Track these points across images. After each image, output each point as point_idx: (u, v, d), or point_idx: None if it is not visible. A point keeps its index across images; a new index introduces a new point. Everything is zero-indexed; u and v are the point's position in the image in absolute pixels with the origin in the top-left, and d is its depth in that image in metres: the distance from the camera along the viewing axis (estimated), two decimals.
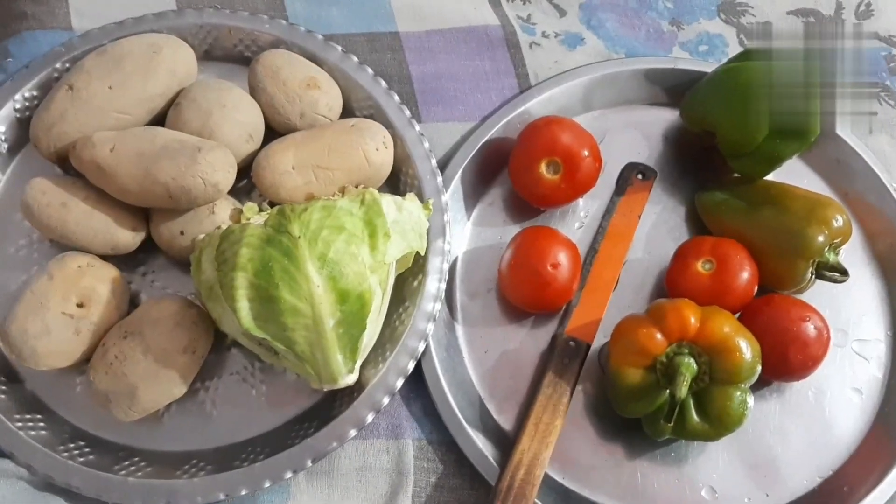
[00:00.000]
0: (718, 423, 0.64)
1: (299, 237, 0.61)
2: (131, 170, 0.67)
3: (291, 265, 0.60)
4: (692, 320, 0.64)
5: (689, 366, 0.63)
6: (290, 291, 0.60)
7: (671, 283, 0.73)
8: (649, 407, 0.65)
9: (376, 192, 0.65)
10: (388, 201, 0.66)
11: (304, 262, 0.60)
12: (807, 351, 0.69)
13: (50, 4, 0.82)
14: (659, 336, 0.64)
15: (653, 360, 0.65)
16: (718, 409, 0.64)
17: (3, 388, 0.69)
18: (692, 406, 0.65)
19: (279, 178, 0.70)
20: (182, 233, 0.70)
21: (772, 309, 0.70)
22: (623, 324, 0.68)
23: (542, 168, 0.73)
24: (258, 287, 0.61)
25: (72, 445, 0.67)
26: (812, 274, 0.71)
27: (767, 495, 0.69)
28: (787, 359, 0.68)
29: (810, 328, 0.69)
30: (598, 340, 0.73)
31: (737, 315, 0.69)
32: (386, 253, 0.64)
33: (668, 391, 0.64)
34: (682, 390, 0.63)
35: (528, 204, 0.78)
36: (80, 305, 0.67)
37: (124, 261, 0.72)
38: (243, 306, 0.61)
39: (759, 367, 0.64)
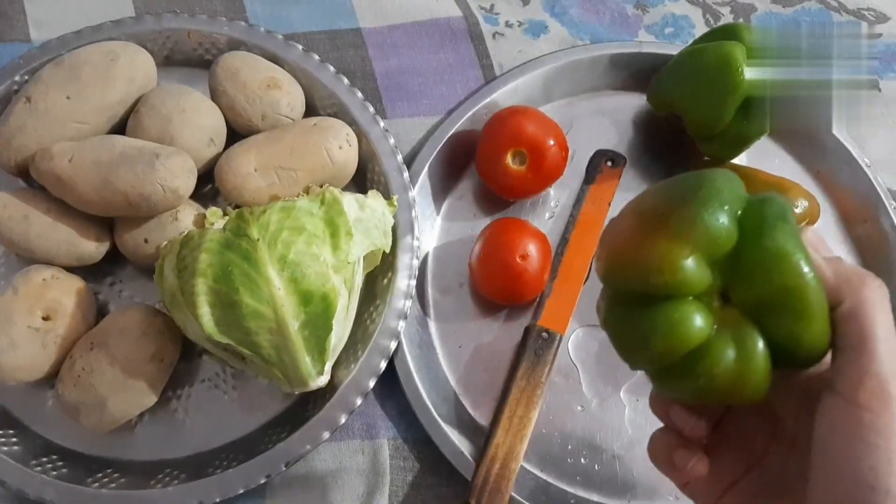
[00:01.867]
0: None
1: (258, 240, 0.60)
2: (90, 179, 0.66)
3: (251, 269, 0.60)
4: None
5: None
6: (251, 295, 0.60)
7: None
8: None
9: (337, 190, 0.65)
10: (349, 200, 0.65)
11: (264, 264, 0.60)
12: None
13: (7, 16, 0.81)
14: None
15: None
16: None
17: None
18: None
19: (242, 180, 0.70)
20: (146, 241, 0.69)
21: None
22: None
23: (509, 159, 0.72)
24: (219, 292, 0.60)
25: (45, 459, 0.67)
26: None
27: None
28: None
29: None
30: (571, 329, 0.73)
31: None
32: (349, 252, 0.63)
33: None
34: None
35: (497, 196, 0.77)
36: (46, 318, 0.66)
37: (91, 271, 0.71)
38: (205, 312, 0.60)
39: None
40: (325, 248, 0.62)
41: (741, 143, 0.72)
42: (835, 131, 0.78)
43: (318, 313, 0.62)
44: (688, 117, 0.72)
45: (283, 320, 0.60)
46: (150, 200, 0.66)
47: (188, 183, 0.68)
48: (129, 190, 0.66)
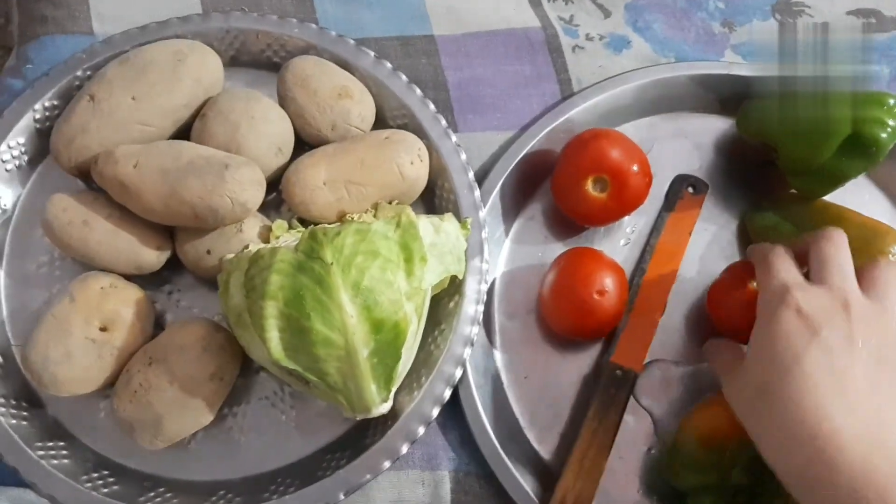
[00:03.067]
0: None
1: (332, 264, 0.57)
2: (156, 188, 0.64)
3: (324, 294, 0.57)
4: None
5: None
6: (323, 322, 0.57)
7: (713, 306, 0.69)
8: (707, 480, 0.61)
9: (412, 213, 0.61)
10: (425, 223, 0.62)
11: (338, 290, 0.57)
12: None
13: (70, 8, 0.78)
14: None
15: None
16: None
17: (25, 413, 0.66)
18: None
19: (310, 194, 0.67)
20: (209, 252, 0.66)
21: None
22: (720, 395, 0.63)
23: (589, 185, 0.69)
24: (289, 317, 0.57)
25: (95, 475, 0.64)
26: None
27: None
28: None
29: None
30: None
31: None
32: (423, 279, 0.60)
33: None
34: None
35: (570, 219, 0.73)
36: (103, 329, 0.64)
37: (148, 279, 0.69)
38: (273, 336, 0.58)
39: None
40: (399, 274, 0.59)
41: (836, 181, 0.68)
42: None
43: (388, 341, 0.59)
44: (783, 149, 0.68)
45: (353, 348, 0.58)
46: (217, 213, 0.63)
47: (257, 196, 0.65)
48: (197, 202, 0.63)
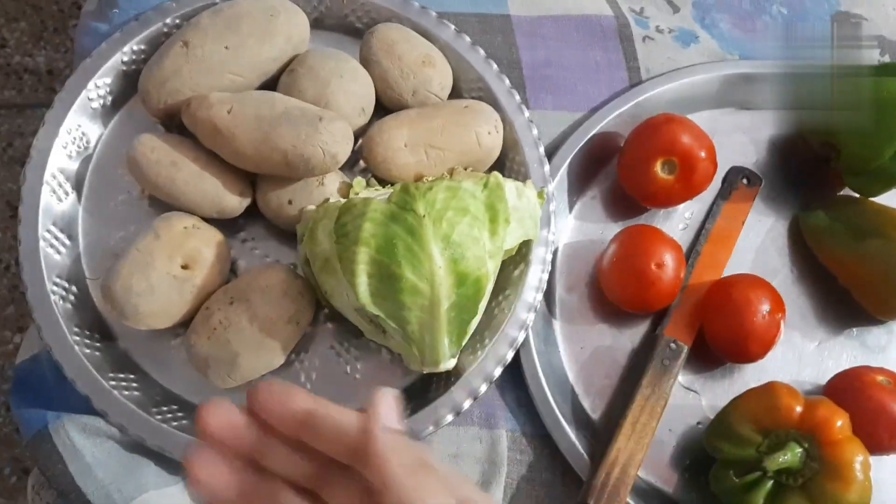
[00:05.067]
0: None
1: (424, 216, 0.59)
2: (249, 134, 0.66)
3: (415, 243, 0.59)
4: (837, 423, 0.62)
5: (794, 451, 0.61)
6: (412, 270, 0.59)
7: None
8: (738, 454, 0.64)
9: (500, 176, 0.64)
10: (510, 186, 0.64)
11: (428, 241, 0.59)
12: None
13: None
14: (798, 410, 0.63)
15: (774, 427, 0.63)
16: None
17: (97, 344, 0.68)
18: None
19: (392, 154, 0.69)
20: (290, 202, 0.68)
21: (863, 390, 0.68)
22: (776, 384, 0.66)
23: (658, 167, 0.72)
24: (380, 263, 0.59)
25: (164, 408, 0.66)
26: None
27: None
28: (880, 440, 0.66)
29: None
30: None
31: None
32: (504, 239, 0.63)
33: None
34: (773, 465, 0.61)
35: (631, 200, 0.76)
36: (184, 267, 0.66)
37: (225, 225, 0.70)
38: (362, 281, 0.60)
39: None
40: (485, 232, 0.62)
41: (892, 182, 0.71)
42: None
43: (468, 296, 0.62)
44: (844, 149, 0.71)
45: (437, 299, 0.60)
46: (309, 162, 0.65)
47: (346, 149, 0.67)
48: (290, 149, 0.65)
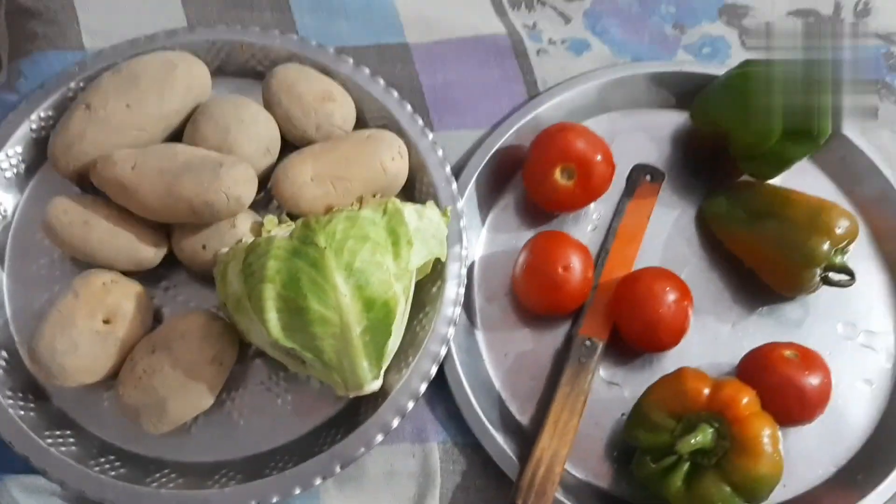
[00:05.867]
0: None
1: (326, 248, 0.62)
2: (154, 187, 0.68)
3: (319, 275, 0.61)
4: (743, 401, 0.64)
5: (705, 432, 0.63)
6: (319, 301, 0.61)
7: None
8: (655, 441, 0.66)
9: (398, 201, 0.67)
10: (409, 210, 0.67)
11: (332, 272, 0.62)
12: (805, 402, 0.69)
13: (61, 24, 0.82)
14: (706, 392, 0.65)
15: (685, 411, 0.65)
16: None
17: (31, 405, 0.69)
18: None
19: (299, 189, 0.71)
20: (204, 247, 0.70)
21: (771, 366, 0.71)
22: (684, 370, 0.68)
23: (557, 174, 0.75)
24: (287, 298, 0.62)
25: (102, 460, 0.68)
26: (819, 278, 0.73)
27: (784, 486, 0.70)
28: (789, 412, 0.69)
29: (810, 381, 0.69)
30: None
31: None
32: (409, 260, 0.65)
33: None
34: (685, 447, 0.63)
35: (540, 208, 0.79)
36: (106, 322, 0.67)
37: (146, 276, 0.72)
38: (272, 317, 0.62)
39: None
40: (388, 256, 0.64)
41: (783, 164, 0.74)
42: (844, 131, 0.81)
43: (379, 319, 0.64)
44: (733, 136, 0.75)
45: (347, 326, 0.62)
46: (213, 208, 0.68)
47: (250, 192, 0.69)
48: (194, 198, 0.67)
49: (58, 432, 0.69)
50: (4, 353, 0.71)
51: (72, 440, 0.69)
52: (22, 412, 0.68)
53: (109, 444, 0.70)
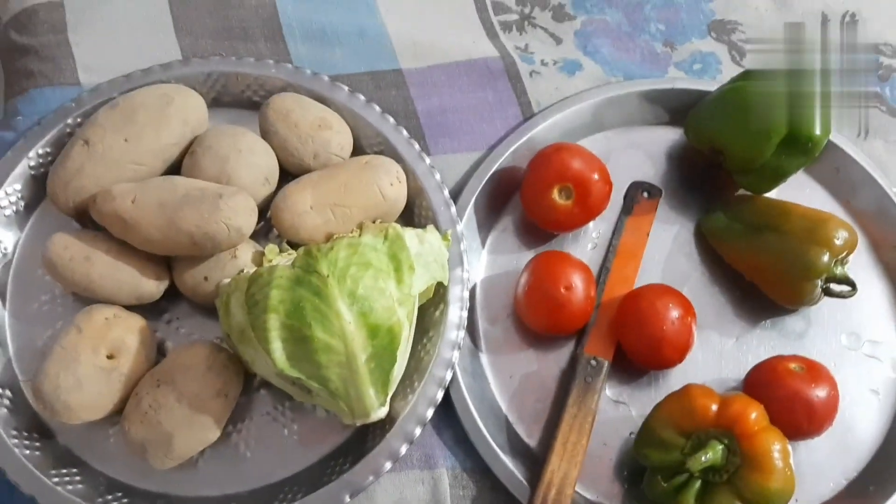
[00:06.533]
0: None
1: (328, 276, 0.62)
2: (154, 220, 0.68)
3: (322, 304, 0.61)
4: (752, 416, 0.64)
5: (715, 449, 0.63)
6: (323, 329, 0.61)
7: None
8: (665, 460, 0.66)
9: (399, 226, 0.67)
10: (410, 235, 0.67)
11: (335, 299, 0.62)
12: (813, 415, 0.69)
13: (56, 61, 0.83)
14: (714, 408, 0.65)
15: (694, 428, 0.65)
16: None
17: (37, 444, 0.69)
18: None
19: (298, 218, 0.72)
20: (206, 279, 0.70)
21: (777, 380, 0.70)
22: (691, 386, 0.68)
23: (555, 194, 0.75)
24: (291, 328, 0.62)
25: (109, 497, 0.68)
26: (821, 290, 0.73)
27: (796, 500, 0.70)
28: (798, 426, 0.69)
29: (817, 394, 0.69)
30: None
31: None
32: (412, 285, 0.65)
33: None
34: (696, 465, 0.63)
35: (541, 228, 0.79)
36: (110, 357, 0.67)
37: (148, 309, 0.72)
38: (277, 347, 0.62)
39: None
40: (391, 282, 0.64)
41: (778, 177, 0.75)
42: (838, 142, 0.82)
43: (384, 346, 0.64)
44: (728, 151, 0.75)
45: (352, 353, 0.62)
46: (214, 239, 0.68)
47: (250, 221, 0.69)
48: (194, 230, 0.67)
49: (64, 471, 0.68)
50: (9, 392, 0.71)
51: (78, 478, 0.68)
52: (27, 451, 0.68)
53: (116, 481, 0.69)
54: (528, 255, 0.78)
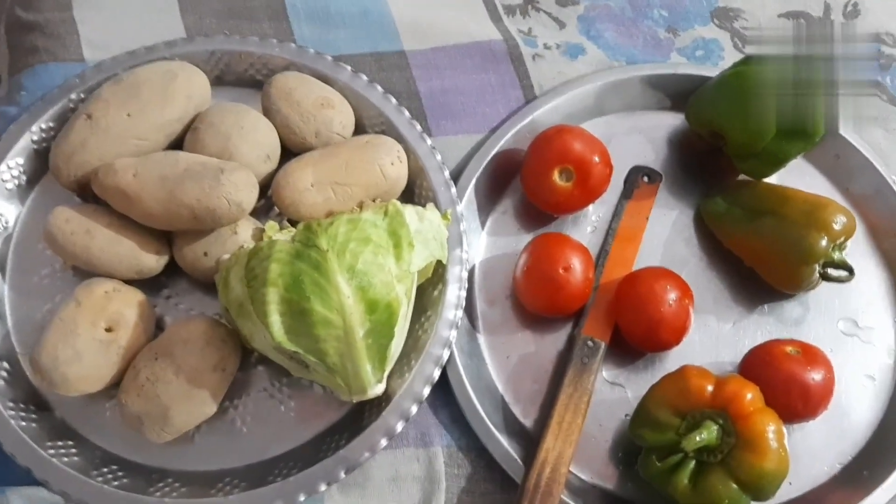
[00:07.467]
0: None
1: (328, 250, 0.62)
2: (155, 194, 0.68)
3: (321, 277, 0.62)
4: (747, 397, 0.64)
5: (709, 429, 0.63)
6: (322, 303, 0.61)
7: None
8: (660, 440, 0.66)
9: (399, 203, 0.67)
10: (410, 212, 0.67)
11: (334, 273, 0.62)
12: (809, 398, 0.69)
13: (61, 37, 0.83)
14: (709, 389, 0.65)
15: (689, 409, 0.65)
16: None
17: (33, 416, 0.69)
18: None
19: (299, 195, 0.72)
20: (206, 254, 0.71)
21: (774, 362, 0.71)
22: (687, 367, 0.68)
23: (556, 176, 0.75)
24: (289, 301, 0.62)
25: (105, 470, 0.68)
26: (819, 274, 0.73)
27: (790, 483, 0.70)
28: (793, 408, 0.69)
29: (813, 377, 0.69)
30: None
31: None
32: (411, 262, 0.66)
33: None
34: (690, 445, 0.63)
35: (540, 211, 0.79)
36: (108, 330, 0.67)
37: (148, 285, 0.73)
38: (275, 321, 0.62)
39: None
40: (390, 258, 0.65)
41: (778, 162, 0.75)
42: (841, 131, 0.82)
43: (382, 321, 0.64)
44: (729, 136, 0.75)
45: (350, 328, 0.62)
46: (215, 214, 0.68)
47: (251, 197, 0.70)
48: (195, 204, 0.67)
49: (60, 443, 0.68)
50: (6, 365, 0.71)
51: (74, 451, 0.68)
52: (24, 423, 0.68)
53: (112, 454, 0.70)
54: (528, 237, 0.79)
